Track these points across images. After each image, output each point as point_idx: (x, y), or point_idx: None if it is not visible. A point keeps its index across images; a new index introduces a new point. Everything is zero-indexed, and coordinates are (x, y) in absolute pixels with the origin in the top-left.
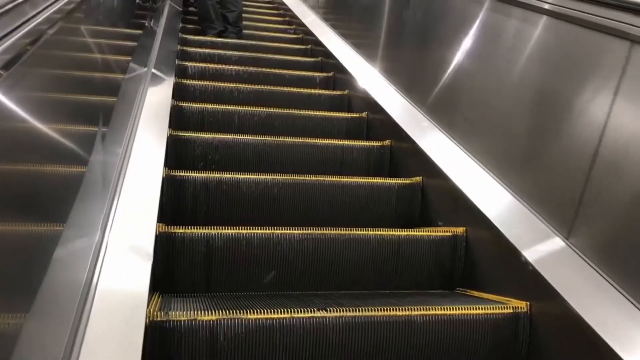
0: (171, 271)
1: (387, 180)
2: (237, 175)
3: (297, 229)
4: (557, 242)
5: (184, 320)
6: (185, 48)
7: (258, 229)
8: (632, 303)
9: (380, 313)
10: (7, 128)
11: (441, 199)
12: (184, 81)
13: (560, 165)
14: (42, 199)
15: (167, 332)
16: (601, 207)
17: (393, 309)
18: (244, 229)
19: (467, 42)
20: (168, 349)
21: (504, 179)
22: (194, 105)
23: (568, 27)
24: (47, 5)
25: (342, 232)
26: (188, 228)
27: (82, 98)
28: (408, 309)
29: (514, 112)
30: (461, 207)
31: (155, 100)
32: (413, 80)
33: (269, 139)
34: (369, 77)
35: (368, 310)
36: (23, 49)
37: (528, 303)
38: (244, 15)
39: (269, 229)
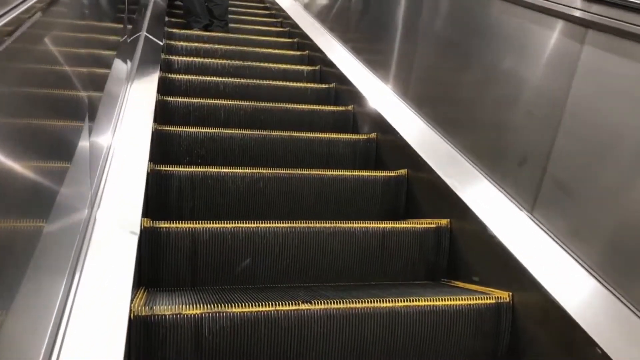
0: (156, 266)
1: (373, 173)
2: (222, 170)
3: (283, 223)
4: (539, 234)
5: (169, 315)
6: (171, 42)
7: (243, 223)
8: (613, 294)
9: (364, 305)
10: None
11: (426, 191)
12: (170, 75)
13: (549, 160)
14: (25, 193)
15: (152, 326)
16: (587, 200)
17: (377, 301)
18: (230, 223)
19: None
20: (153, 344)
21: (487, 170)
22: (180, 99)
23: None
24: None
25: (328, 225)
26: (173, 223)
27: (65, 93)
28: (392, 301)
29: (496, 104)
30: (445, 199)
31: (140, 95)
32: (398, 72)
33: (254, 132)
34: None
35: (352, 302)
36: (2, 40)
37: (510, 293)
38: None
39: (254, 223)
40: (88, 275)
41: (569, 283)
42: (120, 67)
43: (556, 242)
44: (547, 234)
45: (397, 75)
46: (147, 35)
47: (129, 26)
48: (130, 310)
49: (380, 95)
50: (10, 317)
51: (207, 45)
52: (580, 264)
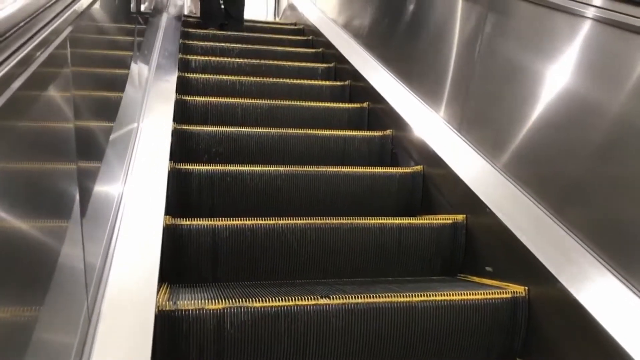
0: (179, 262)
1: (389, 170)
2: (240, 168)
3: (301, 219)
4: (555, 229)
5: (192, 310)
6: (187, 42)
7: (262, 220)
8: (628, 287)
9: (382, 299)
10: (20, 126)
11: (442, 187)
12: (187, 75)
13: (555, 154)
14: (54, 194)
15: (176, 321)
16: (602, 195)
17: (394, 295)
18: (249, 219)
19: None
20: (177, 338)
21: (503, 167)
22: (198, 98)
23: None
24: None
25: (345, 221)
26: (194, 220)
27: (87, 95)
28: (409, 295)
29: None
30: (461, 195)
31: (159, 95)
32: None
33: (271, 130)
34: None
35: (370, 297)
36: (41, 50)
37: (526, 288)
38: None
39: (273, 220)
40: (115, 272)
41: (586, 278)
42: (140, 69)
43: (572, 236)
44: (563, 228)
45: (413, 73)
46: (165, 35)
47: (146, 27)
48: (156, 305)
49: (396, 93)
50: (51, 303)
51: (223, 44)
52: (595, 257)
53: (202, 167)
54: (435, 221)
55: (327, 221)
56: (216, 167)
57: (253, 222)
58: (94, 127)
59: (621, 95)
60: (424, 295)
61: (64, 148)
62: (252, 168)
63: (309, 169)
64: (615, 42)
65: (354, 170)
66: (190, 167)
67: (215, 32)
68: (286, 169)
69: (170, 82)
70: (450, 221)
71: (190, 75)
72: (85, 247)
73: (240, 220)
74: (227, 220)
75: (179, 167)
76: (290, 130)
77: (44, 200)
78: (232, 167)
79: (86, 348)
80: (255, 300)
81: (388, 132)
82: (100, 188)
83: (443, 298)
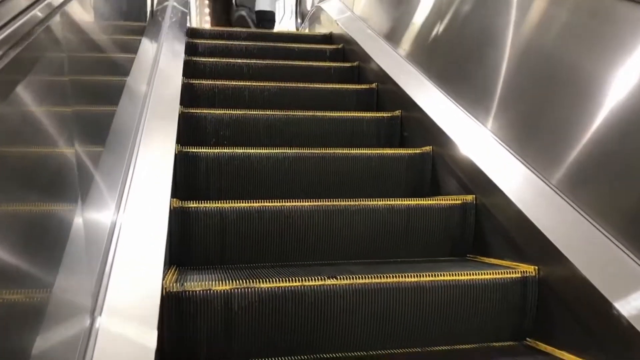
0: (186, 245)
1: (397, 151)
2: (248, 150)
3: (308, 201)
4: (564, 207)
5: (199, 291)
6: (195, 26)
7: (270, 202)
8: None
9: (389, 280)
10: (21, 113)
11: (451, 168)
12: (194, 59)
13: (566, 130)
14: (60, 180)
15: (183, 302)
16: (609, 172)
17: (402, 276)
18: (256, 202)
19: None
20: (184, 319)
21: (512, 146)
22: (205, 82)
23: None
24: None
25: (352, 203)
26: (201, 203)
27: (93, 79)
28: (417, 275)
29: (522, 87)
30: (471, 175)
31: (166, 79)
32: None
33: (278, 113)
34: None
35: (377, 277)
36: (39, 34)
37: (536, 267)
38: None
39: (280, 202)
40: (121, 254)
41: (596, 256)
42: (147, 53)
43: (582, 215)
44: (574, 207)
45: (423, 54)
46: (172, 22)
47: (152, 11)
48: (162, 287)
49: (403, 73)
50: (60, 288)
51: (230, 29)
52: (607, 236)
53: (209, 150)
54: (444, 202)
55: (335, 203)
56: (224, 150)
57: (260, 204)
58: (98, 111)
59: None
60: (432, 276)
61: (65, 132)
62: (259, 151)
63: (317, 151)
64: None
65: (363, 151)
66: (198, 150)
67: None
68: (294, 151)
69: (177, 66)
70: (459, 202)
71: (198, 58)
72: (91, 229)
73: (247, 202)
74: (235, 202)
75: (186, 150)
76: (298, 113)
77: (48, 184)
78: (239, 150)
79: (93, 331)
80: (263, 281)
81: (397, 112)
82: (104, 172)
83: (452, 278)
